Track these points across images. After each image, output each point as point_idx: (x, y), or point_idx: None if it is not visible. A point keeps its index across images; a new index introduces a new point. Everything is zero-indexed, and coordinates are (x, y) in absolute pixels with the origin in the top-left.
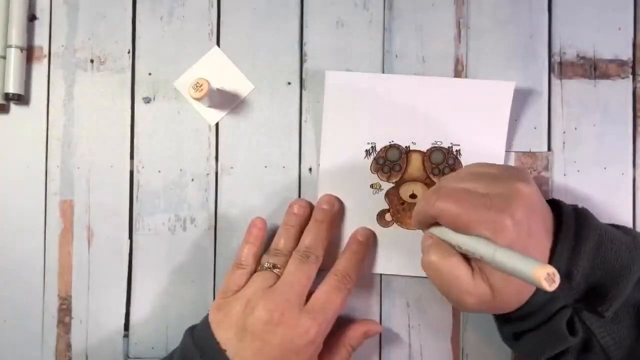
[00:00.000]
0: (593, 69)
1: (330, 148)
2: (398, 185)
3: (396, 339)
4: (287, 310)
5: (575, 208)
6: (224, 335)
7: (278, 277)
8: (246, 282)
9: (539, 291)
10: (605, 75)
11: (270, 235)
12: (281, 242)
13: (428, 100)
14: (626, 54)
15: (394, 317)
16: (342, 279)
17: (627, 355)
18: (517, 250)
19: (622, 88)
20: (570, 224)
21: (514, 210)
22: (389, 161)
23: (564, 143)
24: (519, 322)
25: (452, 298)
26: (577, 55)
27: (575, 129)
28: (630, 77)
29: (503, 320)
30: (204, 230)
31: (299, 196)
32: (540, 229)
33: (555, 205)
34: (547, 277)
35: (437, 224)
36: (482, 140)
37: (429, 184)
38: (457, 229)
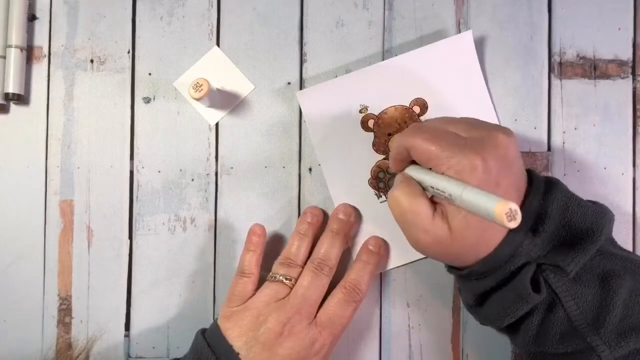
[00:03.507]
0: (593, 69)
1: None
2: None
3: (396, 339)
4: (297, 323)
5: (546, 176)
6: (233, 344)
7: (290, 288)
8: (252, 291)
9: (501, 246)
10: (605, 75)
11: (270, 238)
12: (293, 251)
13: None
14: (626, 54)
15: (394, 317)
16: (352, 291)
17: (592, 322)
18: None
19: (622, 88)
20: (539, 185)
21: (487, 154)
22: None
23: (564, 143)
24: (481, 280)
25: (408, 234)
26: (577, 55)
27: (575, 129)
28: (630, 77)
29: (466, 279)
30: (204, 230)
31: (299, 196)
32: (509, 183)
33: (527, 172)
34: (508, 212)
35: (413, 163)
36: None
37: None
38: (428, 163)
